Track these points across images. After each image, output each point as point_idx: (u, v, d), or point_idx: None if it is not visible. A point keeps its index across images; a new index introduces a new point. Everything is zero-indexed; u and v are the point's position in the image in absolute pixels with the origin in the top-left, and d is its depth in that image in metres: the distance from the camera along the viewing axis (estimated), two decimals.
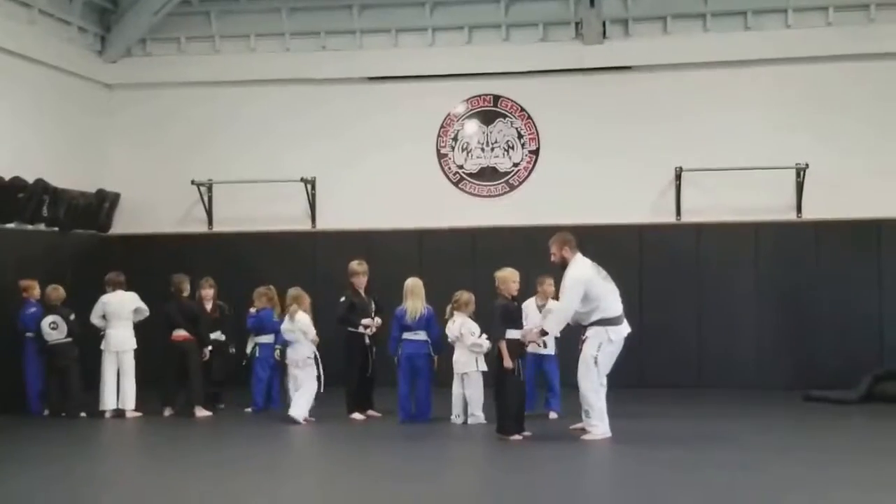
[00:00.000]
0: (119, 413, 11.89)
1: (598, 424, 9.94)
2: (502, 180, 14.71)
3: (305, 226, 14.93)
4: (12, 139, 13.02)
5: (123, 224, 15.11)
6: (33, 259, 12.91)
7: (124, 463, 9.92)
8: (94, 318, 12.04)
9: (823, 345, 13.67)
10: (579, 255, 10.17)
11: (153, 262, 13.80)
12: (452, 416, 11.01)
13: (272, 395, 12.27)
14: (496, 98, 14.79)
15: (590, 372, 9.92)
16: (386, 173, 14.65)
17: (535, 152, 14.65)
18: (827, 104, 13.94)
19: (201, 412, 11.84)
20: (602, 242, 12.55)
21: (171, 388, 12.10)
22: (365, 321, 11.47)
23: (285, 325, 11.42)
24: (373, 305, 11.65)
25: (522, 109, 14.71)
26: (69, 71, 14.26)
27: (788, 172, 13.82)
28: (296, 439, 10.71)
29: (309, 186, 14.81)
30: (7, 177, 12.68)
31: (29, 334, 12.09)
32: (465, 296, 10.96)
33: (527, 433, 10.03)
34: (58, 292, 12.05)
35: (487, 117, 14.79)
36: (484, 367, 10.84)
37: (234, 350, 12.58)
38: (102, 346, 12.00)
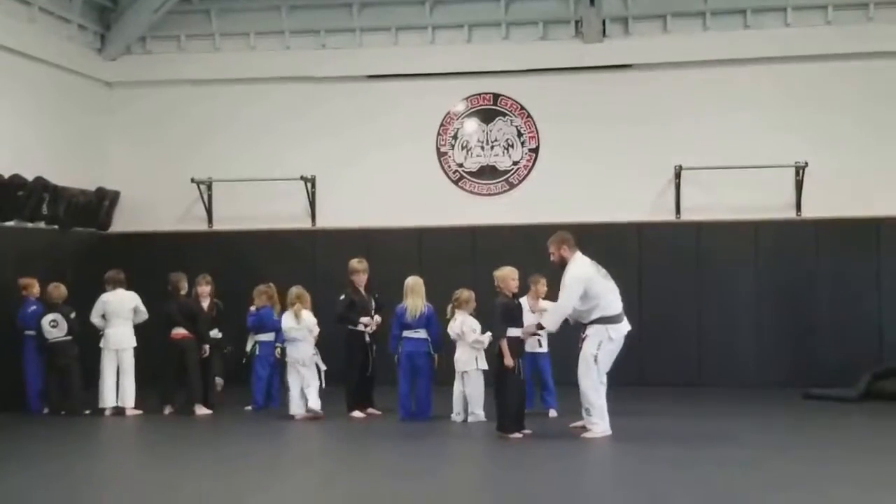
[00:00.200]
0: (119, 411, 11.89)
1: (598, 422, 9.96)
2: (502, 179, 14.72)
3: (305, 224, 14.93)
4: (12, 137, 13.02)
5: (123, 222, 15.11)
6: (33, 257, 12.90)
7: (124, 461, 9.92)
8: (94, 318, 12.04)
9: (823, 342, 13.69)
10: (579, 254, 10.18)
11: (153, 261, 13.79)
12: (453, 415, 11.02)
13: (272, 394, 12.28)
14: (496, 96, 14.79)
15: (590, 370, 9.93)
16: (386, 171, 14.65)
17: (535, 150, 14.66)
18: (826, 103, 13.95)
19: (201, 410, 11.84)
20: (602, 241, 12.58)
21: (170, 386, 12.10)
22: (364, 319, 11.47)
23: (289, 324, 11.41)
24: (373, 303, 11.65)
25: (522, 108, 14.71)
26: (69, 69, 14.25)
27: (788, 171, 13.84)
28: (296, 437, 10.72)
29: (309, 185, 14.81)
30: (7, 175, 12.68)
31: (28, 332, 12.09)
32: (465, 293, 10.98)
33: (527, 431, 10.04)
34: (59, 290, 12.05)
35: (487, 116, 14.79)
36: (484, 366, 10.85)
37: (229, 349, 12.54)
38: (102, 345, 12.01)
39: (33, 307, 12.10)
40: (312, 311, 11.52)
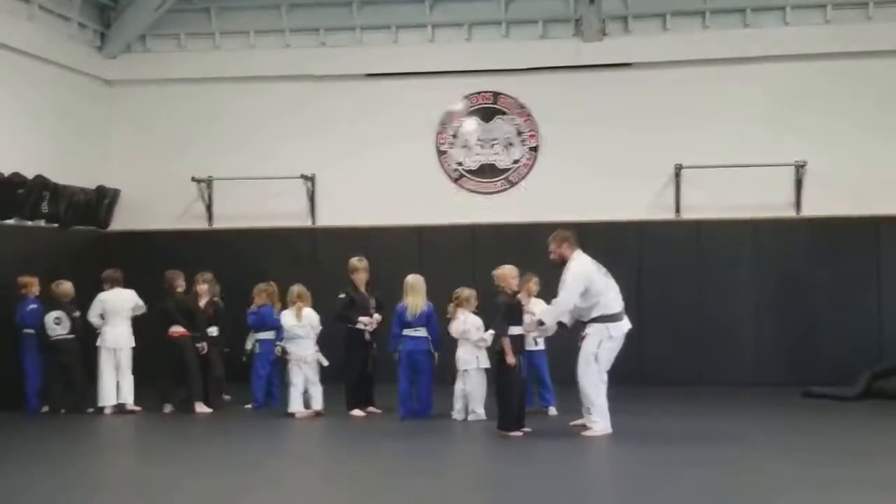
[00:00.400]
0: (120, 408, 11.89)
1: (598, 421, 9.97)
2: (502, 177, 14.73)
3: (305, 222, 14.93)
4: (12, 135, 13.01)
5: (123, 220, 15.10)
6: (33, 255, 12.87)
7: (125, 459, 9.93)
8: (93, 317, 12.04)
9: (822, 341, 13.71)
10: (579, 252, 10.20)
11: (153, 259, 13.74)
12: (453, 413, 11.03)
13: (272, 392, 12.28)
14: (496, 95, 14.79)
15: (590, 368, 9.95)
16: (385, 170, 14.65)
17: (535, 149, 14.66)
18: (826, 101, 13.97)
19: (201, 408, 11.85)
20: (601, 239, 12.59)
21: (169, 384, 12.09)
22: (363, 318, 11.46)
23: (291, 322, 11.42)
24: (373, 302, 11.65)
25: (522, 106, 14.72)
26: (69, 67, 14.25)
27: (787, 169, 13.86)
28: (296, 436, 10.72)
29: (308, 183, 14.82)
30: (6, 173, 12.67)
31: (27, 331, 12.07)
32: (466, 292, 10.99)
33: (527, 429, 10.06)
34: (64, 288, 12.06)
35: (487, 114, 14.79)
36: (486, 365, 10.86)
37: (227, 351, 12.53)
38: (99, 343, 12.00)
39: (33, 305, 12.09)
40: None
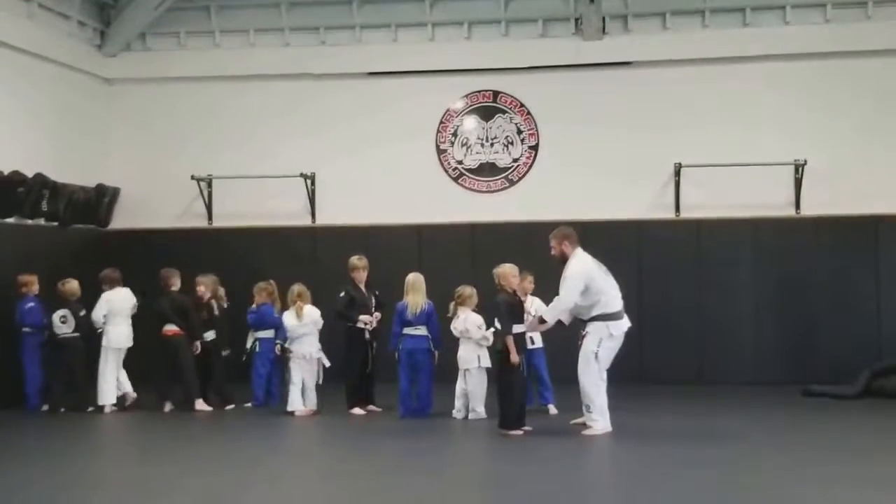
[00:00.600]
0: (121, 399, 11.92)
1: (598, 419, 9.98)
2: (502, 176, 14.73)
3: (305, 221, 14.93)
4: (11, 133, 13.00)
5: (123, 219, 15.10)
6: (32, 254, 12.87)
7: (125, 457, 9.94)
8: (98, 316, 12.03)
9: (822, 340, 13.72)
10: (580, 250, 10.21)
11: (153, 258, 13.73)
12: (454, 412, 11.03)
13: (272, 391, 12.28)
14: (495, 94, 14.79)
15: (590, 367, 9.95)
16: (385, 168, 14.66)
17: (535, 148, 14.66)
18: (825, 100, 13.98)
19: (201, 405, 11.85)
20: (601, 238, 12.58)
21: (167, 383, 12.08)
22: (363, 318, 11.45)
23: (292, 322, 11.42)
24: (373, 300, 11.65)
25: (522, 105, 14.72)
26: (69, 65, 14.24)
27: (787, 169, 13.86)
28: (296, 434, 10.73)
29: (308, 182, 14.81)
30: (6, 171, 12.66)
31: (26, 329, 12.07)
32: (467, 290, 11.00)
33: (527, 428, 10.06)
34: (71, 287, 12.06)
35: (487, 113, 14.80)
36: (487, 364, 10.86)
37: (227, 352, 12.51)
38: (105, 343, 12.00)
39: (32, 304, 12.08)
40: None
